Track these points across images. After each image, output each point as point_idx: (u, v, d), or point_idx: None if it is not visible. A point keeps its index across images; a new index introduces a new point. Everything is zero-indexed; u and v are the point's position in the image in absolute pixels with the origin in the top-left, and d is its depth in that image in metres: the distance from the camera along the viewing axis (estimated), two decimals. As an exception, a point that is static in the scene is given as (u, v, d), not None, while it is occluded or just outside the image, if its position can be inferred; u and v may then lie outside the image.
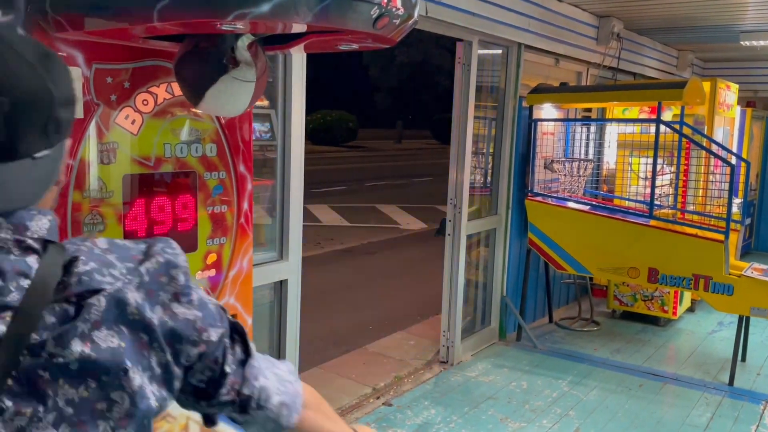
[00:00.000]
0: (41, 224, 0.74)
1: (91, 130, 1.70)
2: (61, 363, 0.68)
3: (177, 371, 0.77)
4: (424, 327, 5.17)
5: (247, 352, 0.85)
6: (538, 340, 4.84)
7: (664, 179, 4.94)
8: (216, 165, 2.07)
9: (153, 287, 0.75)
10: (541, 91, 4.83)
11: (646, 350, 4.81)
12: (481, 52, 4.34)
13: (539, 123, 4.92)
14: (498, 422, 3.58)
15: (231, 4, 1.26)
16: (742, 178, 5.40)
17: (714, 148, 4.73)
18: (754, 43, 6.20)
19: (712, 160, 4.86)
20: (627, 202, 5.14)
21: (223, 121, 2.07)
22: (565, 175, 4.98)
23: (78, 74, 1.64)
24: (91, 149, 1.71)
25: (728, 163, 4.33)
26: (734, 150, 6.21)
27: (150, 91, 1.83)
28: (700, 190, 4.90)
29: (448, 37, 4.08)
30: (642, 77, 6.64)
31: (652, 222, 4.48)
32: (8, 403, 0.66)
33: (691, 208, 4.92)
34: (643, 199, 4.91)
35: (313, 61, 2.95)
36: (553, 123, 5.13)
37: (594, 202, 5.02)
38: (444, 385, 4.08)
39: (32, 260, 0.71)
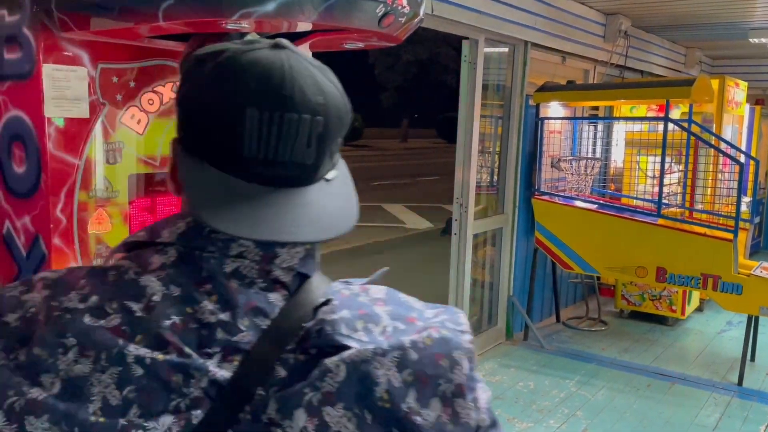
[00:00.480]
0: (293, 252, 0.62)
1: (97, 129, 1.70)
2: None
3: None
4: (431, 326, 5.15)
5: None
6: (545, 339, 4.82)
7: (672, 178, 4.91)
8: (222, 165, 2.06)
9: (428, 371, 0.57)
10: (548, 90, 4.81)
11: (654, 350, 4.78)
12: (487, 50, 4.32)
13: (546, 121, 4.90)
14: (505, 422, 3.56)
15: (236, 3, 1.25)
16: (751, 177, 5.36)
17: (723, 146, 4.69)
18: (763, 40, 6.14)
19: (721, 159, 4.83)
20: (635, 200, 5.11)
21: (228, 121, 2.06)
22: (572, 173, 4.95)
23: (84, 74, 1.64)
24: (96, 149, 1.71)
25: (737, 162, 4.30)
26: (743, 148, 6.17)
27: (156, 90, 1.83)
28: (709, 189, 4.87)
29: (454, 35, 4.06)
30: (650, 75, 6.60)
31: (660, 221, 4.45)
32: None
33: (699, 206, 4.89)
34: (651, 198, 4.88)
35: (317, 59, 2.94)
36: (560, 121, 5.10)
37: (601, 201, 4.99)
38: (450, 384, 4.06)
39: (276, 297, 0.60)
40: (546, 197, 4.84)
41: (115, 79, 1.72)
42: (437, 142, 34.22)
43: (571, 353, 4.65)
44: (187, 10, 1.28)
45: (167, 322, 0.57)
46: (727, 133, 5.55)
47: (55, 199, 1.60)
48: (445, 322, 0.62)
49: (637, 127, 5.24)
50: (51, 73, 1.56)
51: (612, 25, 5.50)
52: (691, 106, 4.54)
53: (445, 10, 3.66)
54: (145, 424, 0.56)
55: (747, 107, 6.44)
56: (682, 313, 5.23)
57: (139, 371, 0.56)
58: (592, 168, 4.98)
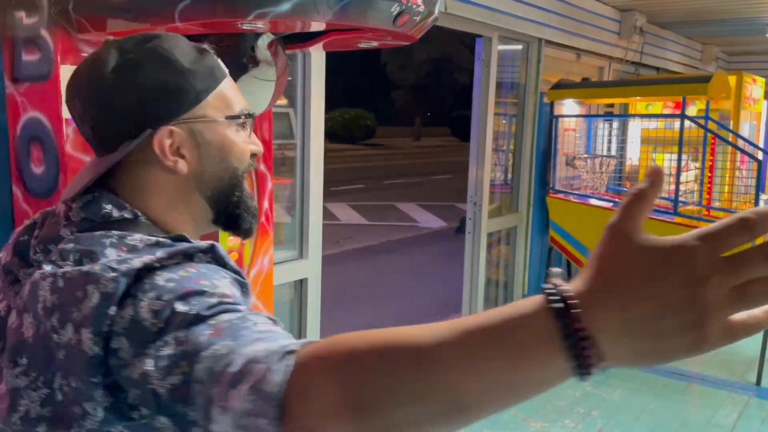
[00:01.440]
0: (79, 203, 0.78)
1: (114, 130, 1.71)
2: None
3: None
4: (444, 325, 5.14)
5: None
6: (559, 338, 4.79)
7: (688, 175, 4.86)
8: (237, 164, 2.06)
9: (66, 299, 0.66)
10: (563, 87, 4.78)
11: (670, 349, 4.73)
12: (501, 47, 4.30)
13: (560, 119, 4.87)
14: (520, 422, 3.55)
15: (251, 3, 1.25)
16: (769, 174, 5.28)
17: (740, 143, 4.64)
18: (782, 35, 6.06)
19: (738, 156, 4.77)
20: (650, 198, 5.06)
21: (243, 121, 2.07)
22: (587, 171, 4.92)
23: (100, 75, 1.65)
24: (113, 149, 1.72)
25: (755, 159, 4.24)
26: (761, 145, 6.09)
27: (171, 91, 1.84)
28: (726, 187, 4.82)
29: (467, 33, 4.05)
30: (665, 72, 6.54)
31: (677, 219, 4.40)
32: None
33: (716, 204, 4.83)
34: (667, 196, 4.83)
35: (330, 58, 2.94)
36: (574, 119, 5.07)
37: (617, 199, 4.95)
38: (465, 383, 4.05)
39: (66, 231, 0.77)
40: (561, 195, 4.81)
41: (131, 80, 1.73)
42: (450, 140, 34.10)
43: (586, 352, 4.62)
44: (203, 11, 1.28)
45: (21, 239, 0.81)
46: (745, 130, 5.48)
47: (73, 199, 1.61)
48: (111, 262, 0.68)
49: (653, 124, 5.19)
50: (69, 75, 1.58)
51: (627, 22, 5.46)
52: (708, 103, 4.49)
53: (459, 7, 3.65)
54: None
55: (765, 103, 6.35)
56: (699, 312, 5.17)
57: None
58: (608, 166, 4.95)
